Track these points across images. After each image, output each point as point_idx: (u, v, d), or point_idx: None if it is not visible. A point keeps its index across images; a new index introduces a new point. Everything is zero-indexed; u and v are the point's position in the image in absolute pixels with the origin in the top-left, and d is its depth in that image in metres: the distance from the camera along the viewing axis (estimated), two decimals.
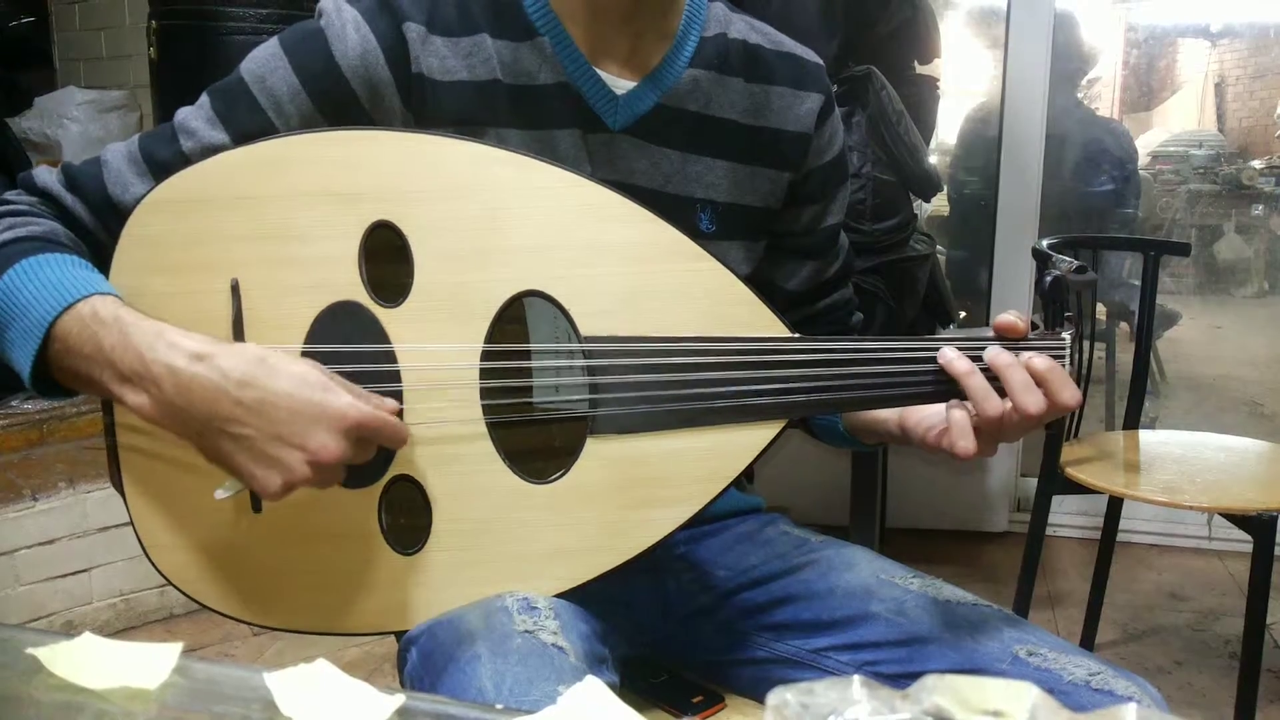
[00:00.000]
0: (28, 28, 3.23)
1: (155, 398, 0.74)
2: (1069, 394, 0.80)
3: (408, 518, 0.84)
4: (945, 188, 2.86)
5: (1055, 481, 1.78)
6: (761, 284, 0.94)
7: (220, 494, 0.77)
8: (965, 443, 0.81)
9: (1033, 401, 0.79)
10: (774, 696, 0.38)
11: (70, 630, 0.62)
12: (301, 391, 0.73)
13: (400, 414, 0.80)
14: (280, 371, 0.73)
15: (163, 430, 0.79)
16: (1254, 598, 1.61)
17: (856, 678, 0.39)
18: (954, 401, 0.83)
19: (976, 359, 0.82)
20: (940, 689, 0.39)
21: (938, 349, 0.83)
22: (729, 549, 1.03)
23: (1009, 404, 0.80)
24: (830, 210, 1.04)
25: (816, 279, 1.05)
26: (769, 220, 1.01)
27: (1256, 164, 3.26)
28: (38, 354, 0.75)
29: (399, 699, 0.53)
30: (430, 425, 0.83)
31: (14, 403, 2.16)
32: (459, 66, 0.88)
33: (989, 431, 0.82)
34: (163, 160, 0.85)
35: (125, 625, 2.25)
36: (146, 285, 0.81)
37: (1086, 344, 1.89)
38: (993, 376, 0.81)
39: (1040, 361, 0.81)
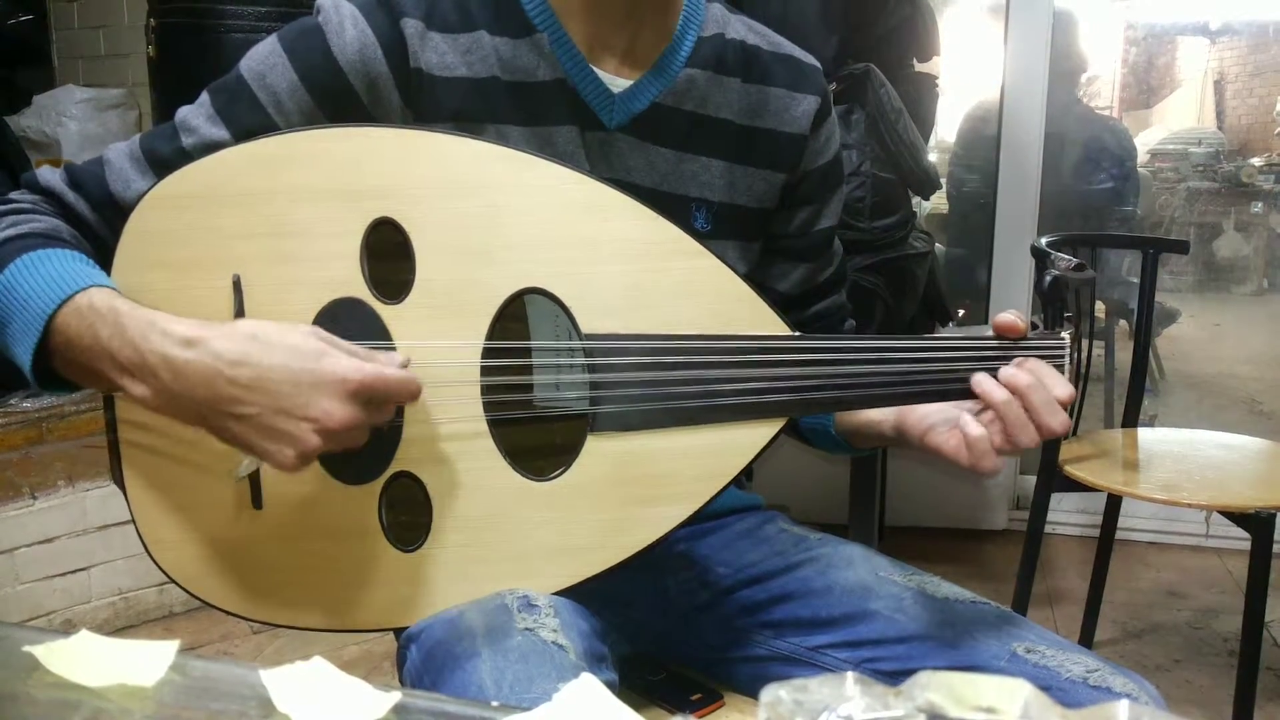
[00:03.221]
0: (26, 26, 3.23)
1: (155, 387, 0.74)
2: (1061, 389, 0.81)
3: (408, 515, 0.84)
4: (944, 186, 2.86)
5: (1054, 479, 1.78)
6: (754, 285, 0.94)
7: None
8: (989, 462, 0.81)
9: (1057, 422, 0.80)
10: (768, 693, 0.38)
11: (69, 629, 0.62)
12: (297, 362, 0.72)
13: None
14: (275, 345, 0.73)
15: (164, 427, 0.79)
16: (1252, 595, 1.61)
17: (850, 674, 0.39)
18: (967, 419, 0.83)
19: (991, 369, 0.82)
20: (934, 685, 0.39)
21: (938, 349, 0.83)
22: (728, 546, 1.03)
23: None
24: (824, 213, 1.04)
25: (808, 283, 1.05)
26: (764, 221, 1.01)
27: (1255, 161, 3.26)
28: (38, 347, 0.75)
29: (395, 696, 0.53)
30: (431, 422, 0.83)
31: (13, 401, 2.16)
32: (457, 63, 0.88)
33: (1009, 451, 0.82)
34: (164, 157, 0.85)
35: (124, 624, 2.25)
36: (148, 281, 0.81)
37: (1085, 342, 1.89)
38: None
39: (1033, 363, 0.82)
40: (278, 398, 0.72)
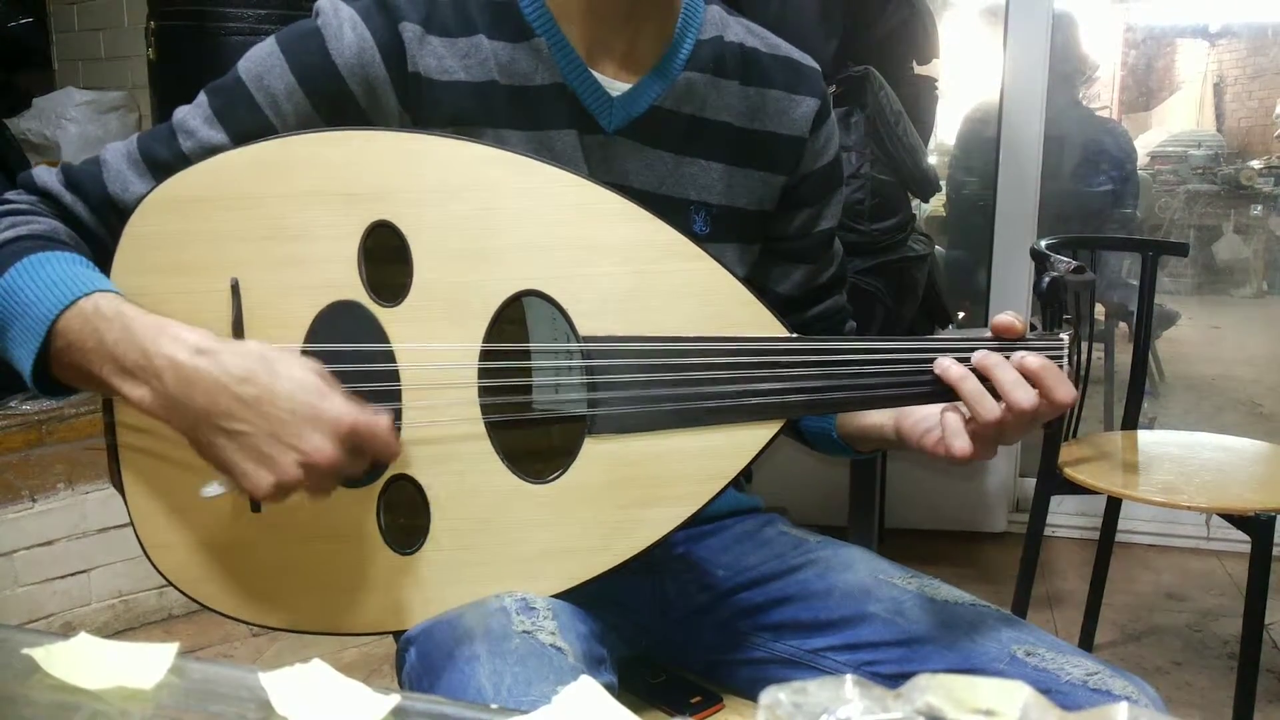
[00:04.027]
0: (26, 28, 3.23)
1: (156, 390, 0.74)
2: (1064, 391, 0.80)
3: (406, 518, 0.84)
4: (944, 188, 2.87)
5: (1054, 482, 1.78)
6: (753, 287, 0.94)
7: (206, 492, 0.77)
8: (960, 442, 0.81)
9: (1024, 396, 0.79)
10: (766, 696, 0.38)
11: (68, 631, 0.62)
12: (301, 393, 0.73)
13: (399, 414, 0.80)
14: (281, 372, 0.73)
15: (163, 430, 0.79)
16: (1252, 598, 1.61)
17: (849, 677, 0.39)
18: (947, 405, 0.83)
19: (967, 362, 0.82)
20: (933, 688, 0.39)
21: (936, 350, 0.83)
22: (727, 549, 1.03)
23: (1003, 405, 0.80)
24: (824, 215, 1.04)
25: (808, 284, 1.05)
26: (763, 223, 1.01)
27: (1255, 164, 3.26)
28: (39, 351, 0.75)
29: (394, 699, 0.53)
30: (429, 425, 0.83)
31: (13, 403, 2.16)
32: (456, 67, 0.88)
33: (986, 434, 0.82)
34: (162, 159, 0.86)
35: (124, 626, 2.25)
36: (147, 284, 0.81)
37: (1085, 344, 1.89)
38: (986, 379, 0.81)
39: (1033, 360, 0.80)
40: (274, 422, 0.72)
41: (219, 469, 0.75)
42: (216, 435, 0.74)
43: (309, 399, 0.73)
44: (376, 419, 0.75)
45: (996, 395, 0.80)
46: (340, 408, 0.74)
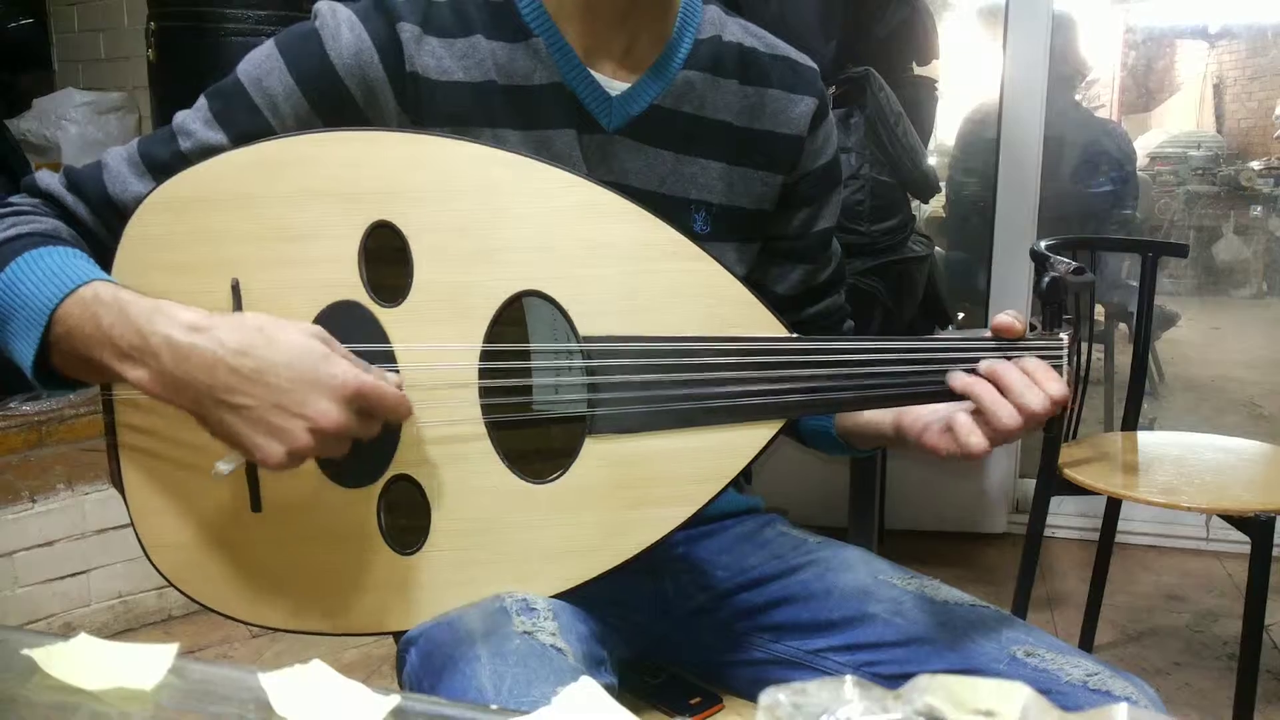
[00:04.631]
0: (26, 29, 3.23)
1: (154, 370, 0.74)
2: (1055, 388, 0.81)
3: (407, 518, 0.84)
4: (944, 189, 2.87)
5: (1054, 483, 1.78)
6: (752, 287, 0.94)
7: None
8: (976, 439, 0.81)
9: (1034, 399, 0.80)
10: (766, 696, 0.38)
11: (68, 632, 0.62)
12: (300, 360, 0.73)
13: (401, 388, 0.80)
14: (279, 341, 0.73)
15: (164, 430, 0.79)
16: (1252, 599, 1.61)
17: (849, 677, 0.39)
18: (958, 411, 0.83)
19: (974, 371, 0.82)
20: (933, 689, 0.39)
21: (936, 350, 0.83)
22: (727, 549, 1.03)
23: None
24: (822, 214, 1.04)
25: (807, 283, 1.05)
26: (762, 222, 1.01)
27: (1255, 165, 3.26)
28: (40, 341, 0.75)
29: (394, 699, 0.53)
30: (429, 425, 0.83)
31: (13, 404, 2.16)
32: (454, 67, 0.89)
33: (1000, 438, 0.82)
34: (162, 161, 0.86)
35: (124, 627, 2.25)
36: (147, 284, 0.81)
37: (1085, 345, 1.89)
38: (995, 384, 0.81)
39: (1030, 360, 0.82)
40: (276, 392, 0.72)
41: (229, 444, 0.75)
42: (222, 411, 0.73)
43: (309, 364, 0.73)
44: (381, 381, 0.75)
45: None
46: (343, 370, 0.73)
